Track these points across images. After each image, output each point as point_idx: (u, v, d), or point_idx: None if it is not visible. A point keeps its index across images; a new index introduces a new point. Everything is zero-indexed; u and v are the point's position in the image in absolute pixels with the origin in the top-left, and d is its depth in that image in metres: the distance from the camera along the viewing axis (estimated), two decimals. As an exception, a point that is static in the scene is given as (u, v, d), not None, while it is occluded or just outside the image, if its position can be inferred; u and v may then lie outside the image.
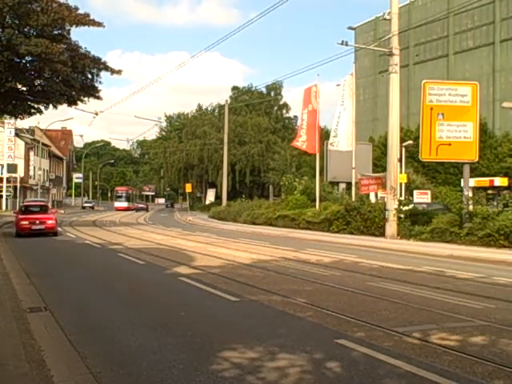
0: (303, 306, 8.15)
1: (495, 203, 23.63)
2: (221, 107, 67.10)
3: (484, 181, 37.29)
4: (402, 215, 22.42)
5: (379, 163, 39.43)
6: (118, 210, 71.41)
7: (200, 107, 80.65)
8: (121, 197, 76.40)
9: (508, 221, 18.11)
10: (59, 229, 26.44)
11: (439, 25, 58.31)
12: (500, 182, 37.31)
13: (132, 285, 10.75)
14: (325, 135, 38.40)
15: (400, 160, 26.50)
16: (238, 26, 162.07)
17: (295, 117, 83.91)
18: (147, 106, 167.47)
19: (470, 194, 21.65)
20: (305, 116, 31.70)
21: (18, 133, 59.00)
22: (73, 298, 9.30)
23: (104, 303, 8.69)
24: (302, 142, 32.04)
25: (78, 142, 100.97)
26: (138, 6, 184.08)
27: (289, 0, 22.31)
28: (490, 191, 32.95)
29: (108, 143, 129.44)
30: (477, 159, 21.53)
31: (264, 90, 77.18)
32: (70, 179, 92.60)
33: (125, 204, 75.22)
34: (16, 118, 34.11)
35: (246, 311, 8.05)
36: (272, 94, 78.36)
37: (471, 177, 24.52)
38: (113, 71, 26.83)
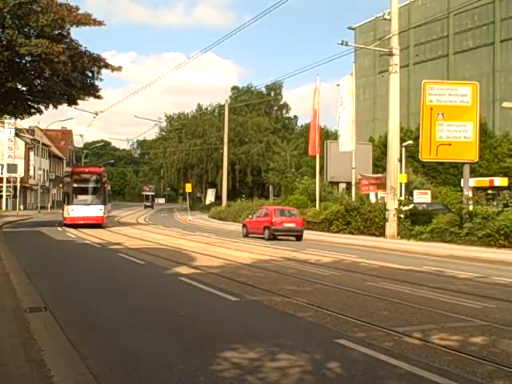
0: (303, 306, 8.15)
1: (495, 203, 23.62)
2: (221, 107, 67.02)
3: (484, 181, 37.27)
4: (401, 215, 22.44)
5: (379, 163, 39.42)
6: None
7: (200, 107, 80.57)
8: None
9: (508, 221, 18.12)
10: None
11: (439, 25, 58.29)
12: (500, 182, 37.29)
13: (132, 285, 10.75)
14: (324, 135, 38.39)
15: (400, 160, 26.51)
16: (233, 27, 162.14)
17: (295, 117, 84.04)
18: (144, 107, 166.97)
19: (470, 194, 21.65)
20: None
21: (18, 133, 59.00)
22: (73, 297, 9.28)
23: (104, 303, 8.69)
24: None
25: (78, 142, 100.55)
26: (133, 7, 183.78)
27: (288, 1, 22.29)
28: (489, 191, 32.93)
29: (108, 143, 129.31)
30: (477, 159, 21.55)
31: (264, 90, 77.16)
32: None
33: None
34: (16, 118, 34.09)
35: (246, 311, 8.05)
36: (272, 94, 78.30)
37: (471, 177, 24.52)
38: (113, 68, 26.86)
